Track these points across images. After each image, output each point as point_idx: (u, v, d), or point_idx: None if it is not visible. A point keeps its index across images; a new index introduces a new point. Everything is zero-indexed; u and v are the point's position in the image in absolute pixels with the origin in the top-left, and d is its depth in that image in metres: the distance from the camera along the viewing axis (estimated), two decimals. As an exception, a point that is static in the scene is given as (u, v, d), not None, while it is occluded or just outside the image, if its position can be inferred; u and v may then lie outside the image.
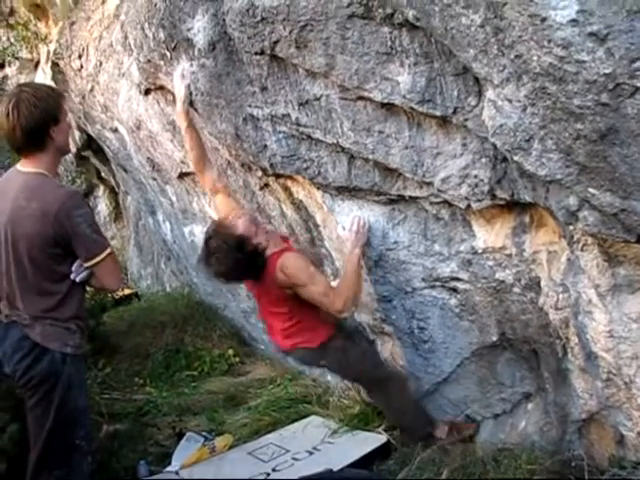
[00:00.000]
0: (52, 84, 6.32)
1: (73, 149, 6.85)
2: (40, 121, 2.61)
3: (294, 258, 3.25)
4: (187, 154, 3.69)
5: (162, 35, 3.56)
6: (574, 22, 1.75)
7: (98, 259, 2.66)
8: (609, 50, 1.74)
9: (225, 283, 3.24)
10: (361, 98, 2.79)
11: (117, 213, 8.97)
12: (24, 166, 2.72)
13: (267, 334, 3.69)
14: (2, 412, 3.10)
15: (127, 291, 7.33)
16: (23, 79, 8.02)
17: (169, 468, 3.74)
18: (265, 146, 3.30)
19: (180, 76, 3.48)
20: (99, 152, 7.01)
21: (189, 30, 3.30)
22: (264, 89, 3.11)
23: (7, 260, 2.70)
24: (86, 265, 2.68)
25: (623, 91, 1.78)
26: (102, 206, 9.28)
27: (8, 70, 8.10)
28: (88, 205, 2.69)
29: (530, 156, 2.17)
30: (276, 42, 2.86)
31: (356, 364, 3.49)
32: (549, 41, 1.83)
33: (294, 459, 3.65)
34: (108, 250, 2.71)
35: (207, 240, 3.23)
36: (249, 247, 3.13)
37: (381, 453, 3.58)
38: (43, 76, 7.39)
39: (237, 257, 3.10)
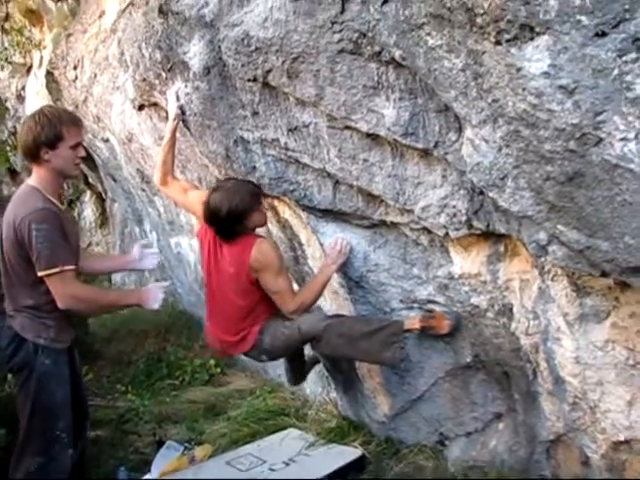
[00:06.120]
0: (45, 91, 6.42)
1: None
2: (31, 143, 2.77)
3: (272, 245, 3.33)
4: (157, 166, 3.75)
5: (158, 56, 3.66)
6: (546, 74, 1.89)
7: (43, 273, 2.75)
8: (576, 102, 1.87)
9: (210, 218, 3.24)
10: (348, 127, 2.89)
11: (103, 219, 9.01)
12: (30, 176, 2.91)
13: (211, 323, 3.54)
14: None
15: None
16: (15, 83, 8.11)
17: (148, 476, 3.79)
18: (254, 167, 3.39)
19: (174, 94, 3.58)
20: (88, 159, 7.03)
21: (185, 53, 3.40)
22: (255, 114, 3.22)
23: (1, 257, 2.91)
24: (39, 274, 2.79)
25: (588, 140, 1.91)
26: (88, 211, 9.32)
27: (1, 74, 8.16)
28: (53, 222, 2.74)
29: (504, 193, 2.29)
30: (269, 71, 2.97)
31: (284, 342, 3.42)
32: (523, 89, 1.96)
33: (271, 470, 3.71)
34: (55, 270, 2.75)
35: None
36: (247, 206, 3.19)
37: (356, 467, 3.65)
38: (35, 81, 7.47)
39: (237, 201, 3.16)
